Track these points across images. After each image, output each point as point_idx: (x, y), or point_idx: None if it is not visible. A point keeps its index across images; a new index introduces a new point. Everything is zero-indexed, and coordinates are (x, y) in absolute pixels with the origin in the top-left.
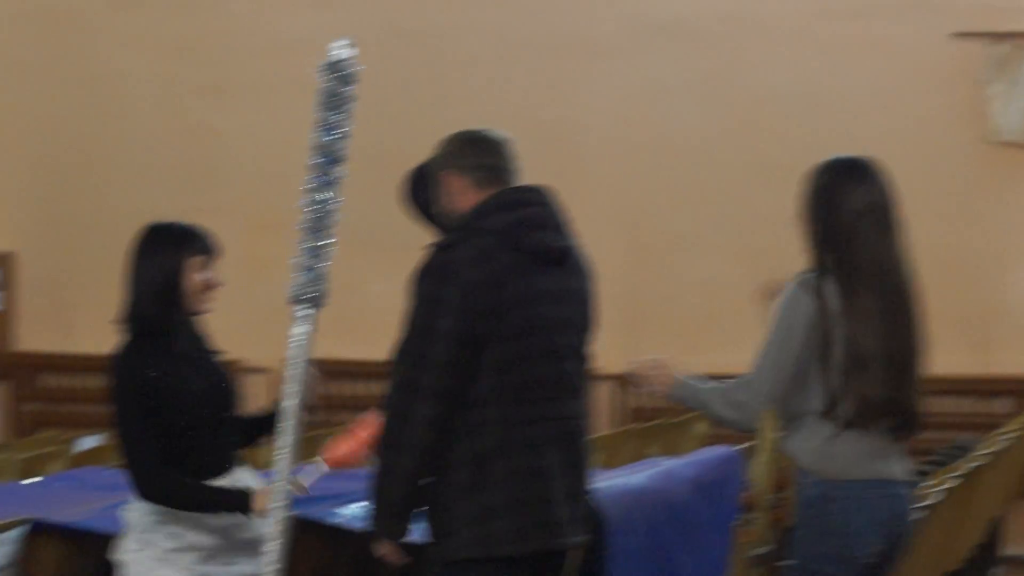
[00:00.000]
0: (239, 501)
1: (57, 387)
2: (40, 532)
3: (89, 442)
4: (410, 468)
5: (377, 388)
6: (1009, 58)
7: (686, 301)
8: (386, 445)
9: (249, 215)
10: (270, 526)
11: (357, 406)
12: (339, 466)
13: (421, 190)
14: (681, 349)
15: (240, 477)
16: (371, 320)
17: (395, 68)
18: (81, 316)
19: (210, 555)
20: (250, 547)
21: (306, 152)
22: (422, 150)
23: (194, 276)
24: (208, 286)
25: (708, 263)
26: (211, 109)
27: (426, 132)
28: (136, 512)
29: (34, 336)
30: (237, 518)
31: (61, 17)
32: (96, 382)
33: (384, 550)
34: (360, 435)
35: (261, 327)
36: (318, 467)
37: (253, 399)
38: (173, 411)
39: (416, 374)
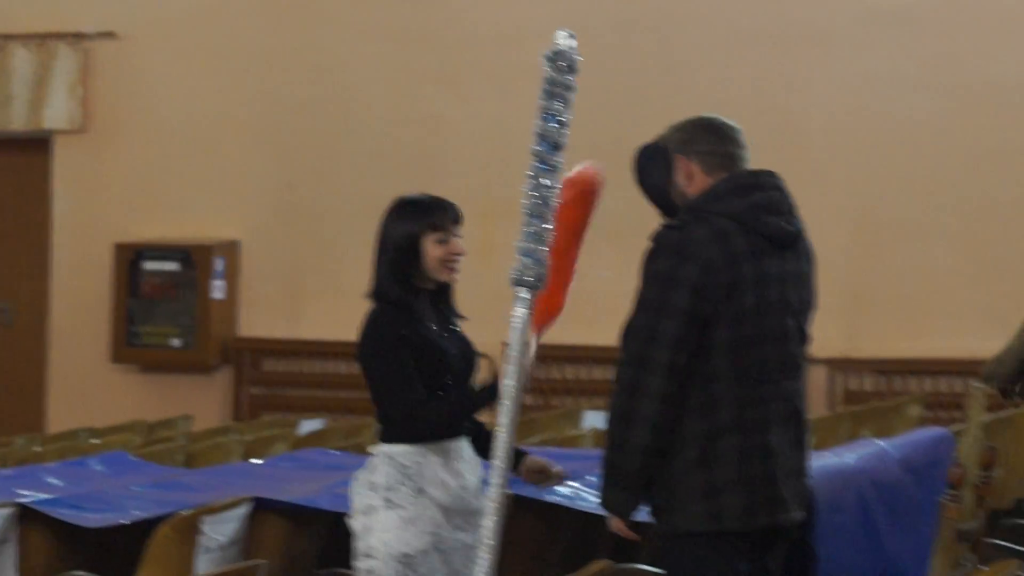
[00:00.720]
0: (491, 395)
1: (281, 372)
2: (264, 510)
3: (311, 425)
4: (641, 442)
5: (600, 372)
6: None
7: (907, 288)
8: (617, 419)
9: (475, 202)
10: (489, 501)
11: (582, 390)
12: (544, 326)
13: (653, 170)
14: (900, 335)
15: (463, 446)
16: (593, 306)
17: (620, 58)
18: (307, 303)
19: (446, 516)
20: (476, 517)
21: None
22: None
23: (433, 247)
24: (448, 256)
25: (931, 251)
26: (440, 98)
27: (650, 122)
28: (374, 476)
29: (259, 322)
30: (469, 484)
31: (301, 7)
32: (319, 367)
33: (615, 525)
34: (553, 289)
35: (484, 313)
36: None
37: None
38: (427, 369)
39: (648, 349)
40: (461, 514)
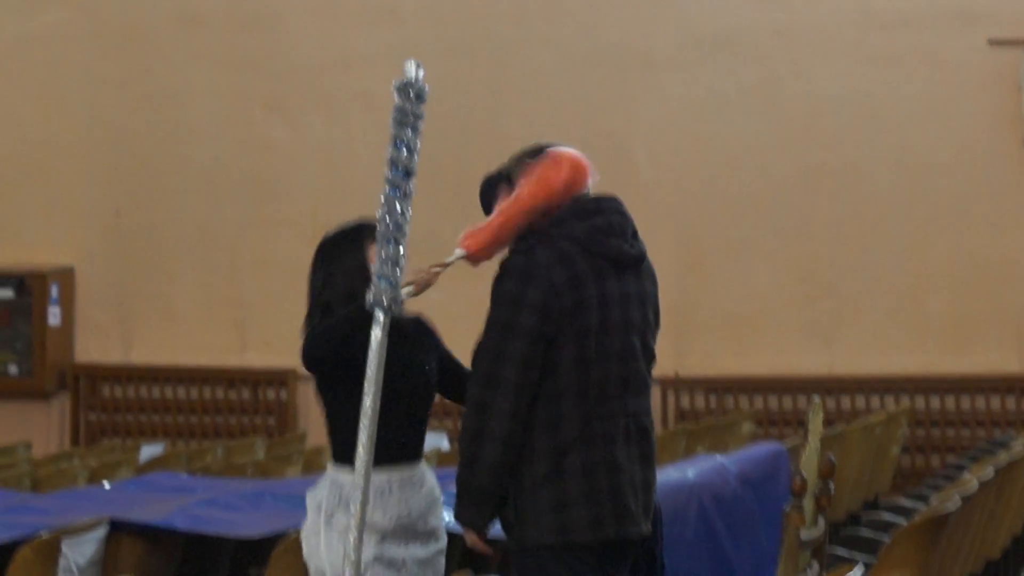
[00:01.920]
0: (360, 312)
1: (118, 397)
2: (120, 531)
3: (152, 450)
4: (493, 459)
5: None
6: None
7: (733, 307)
8: (469, 437)
9: (308, 225)
10: (353, 528)
11: None
12: (477, 254)
13: (497, 198)
14: (728, 353)
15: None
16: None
17: (451, 84)
18: (141, 328)
19: (388, 536)
20: (425, 536)
21: (363, 165)
22: (479, 161)
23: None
24: None
25: (759, 270)
26: (269, 124)
27: (480, 146)
28: (319, 496)
29: (95, 348)
30: (412, 508)
31: (132, 34)
32: (156, 392)
33: (470, 540)
34: (494, 223)
35: None
36: (456, 252)
37: (310, 407)
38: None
39: (497, 369)
40: (406, 535)
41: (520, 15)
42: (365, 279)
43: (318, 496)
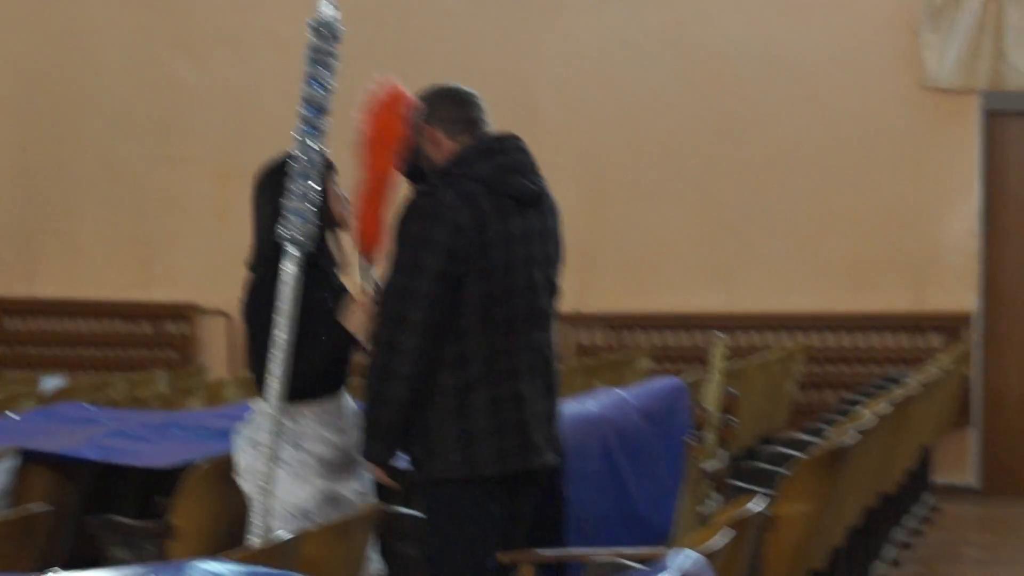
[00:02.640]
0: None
1: (21, 330)
2: (31, 462)
3: (54, 382)
4: (399, 396)
5: None
6: (944, 6)
7: (635, 247)
8: (376, 375)
9: (214, 164)
10: (267, 457)
11: None
12: (373, 253)
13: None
14: (629, 292)
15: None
16: None
17: (356, 24)
18: (46, 263)
19: (328, 470)
20: (360, 468)
21: (270, 104)
22: None
23: (334, 190)
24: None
25: (658, 211)
26: (180, 61)
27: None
28: (258, 434)
29: None
30: (351, 440)
31: None
32: (58, 325)
33: (376, 474)
34: (365, 215)
35: (221, 272)
36: (362, 265)
37: (214, 340)
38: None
39: (403, 308)
40: (344, 467)
41: None
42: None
43: (256, 435)
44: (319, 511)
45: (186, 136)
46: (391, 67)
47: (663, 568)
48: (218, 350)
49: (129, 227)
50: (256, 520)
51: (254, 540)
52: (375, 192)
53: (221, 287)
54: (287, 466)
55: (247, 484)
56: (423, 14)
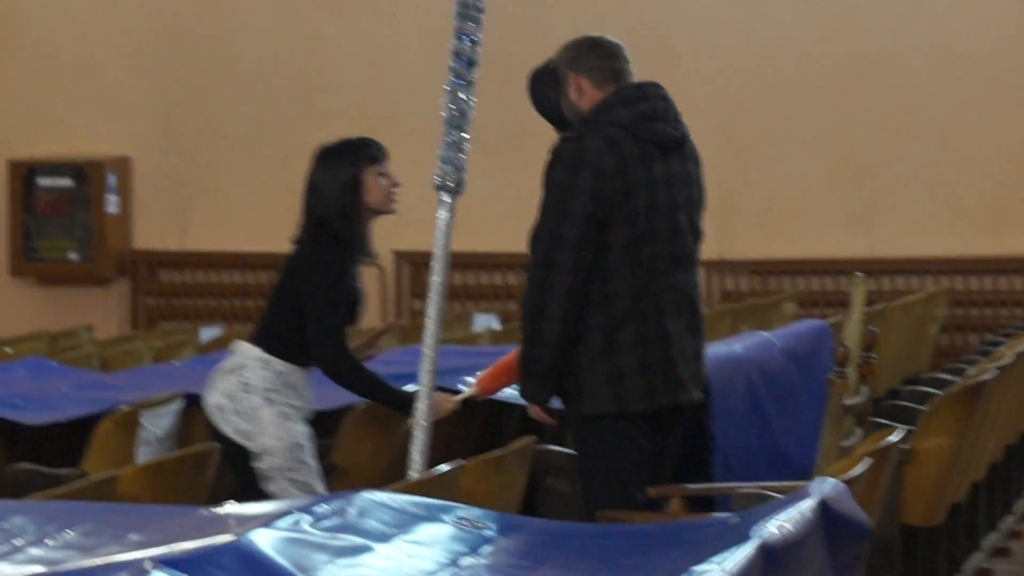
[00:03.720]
0: (403, 404)
1: (175, 282)
2: (193, 406)
3: (211, 332)
4: (553, 335)
5: (487, 278)
6: None
7: (774, 194)
8: (530, 315)
9: (358, 118)
10: (423, 387)
11: (469, 295)
12: (486, 393)
13: (547, 89)
14: (770, 238)
15: None
16: (476, 214)
17: None
18: (196, 217)
19: (304, 416)
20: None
21: (410, 59)
22: (523, 53)
23: (375, 180)
24: (390, 186)
25: (800, 157)
26: (318, 18)
27: (528, 37)
28: (248, 375)
29: (153, 235)
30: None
31: None
32: (212, 277)
33: (534, 412)
34: (505, 367)
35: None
36: (469, 387)
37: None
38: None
39: (553, 251)
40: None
41: None
42: (356, 197)
43: (248, 378)
44: (309, 448)
45: (329, 90)
46: (531, 19)
47: (806, 495)
48: (372, 300)
49: (275, 180)
50: (415, 456)
51: (413, 475)
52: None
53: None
54: (282, 407)
55: (238, 425)
56: None
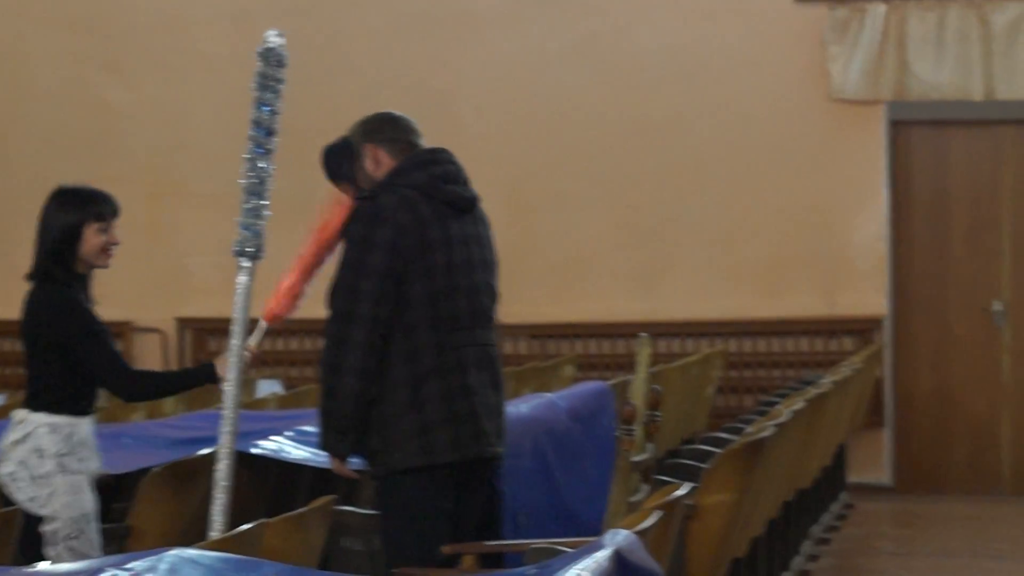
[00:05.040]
0: (207, 374)
1: None
2: None
3: None
4: (352, 388)
5: (267, 343)
6: (848, 21)
7: (561, 255)
8: (328, 369)
9: (146, 184)
10: (223, 447)
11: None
12: (275, 319)
13: (342, 160)
14: (554, 300)
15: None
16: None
17: (289, 43)
18: None
19: (93, 478)
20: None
21: (200, 124)
22: (315, 117)
23: (94, 235)
24: (107, 244)
25: (583, 219)
26: (110, 83)
27: (315, 103)
28: (47, 441)
29: None
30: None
31: None
32: (7, 345)
33: (335, 466)
34: (283, 287)
35: (154, 290)
36: (259, 326)
37: (147, 357)
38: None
39: (351, 305)
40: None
41: None
42: (72, 243)
43: (39, 444)
44: (95, 518)
45: (118, 156)
46: (320, 85)
47: (600, 546)
48: (153, 366)
49: None
50: (216, 516)
51: (214, 534)
52: (299, 275)
53: (155, 305)
54: (74, 476)
55: (29, 491)
56: (350, 33)
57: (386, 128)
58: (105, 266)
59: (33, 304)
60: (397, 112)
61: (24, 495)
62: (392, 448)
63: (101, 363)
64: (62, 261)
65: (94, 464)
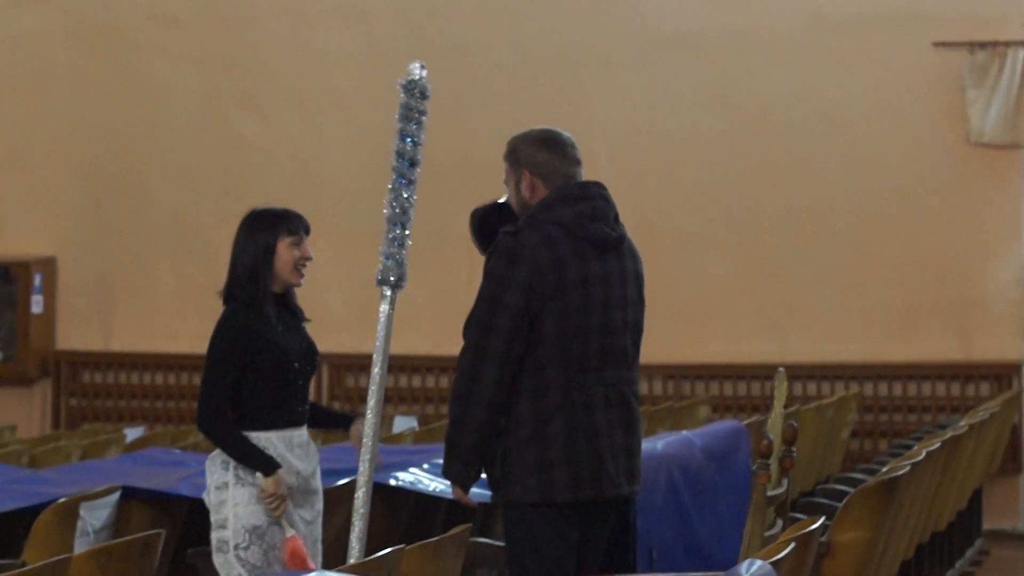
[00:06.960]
0: (265, 465)
1: (98, 383)
2: (130, 498)
3: (135, 432)
4: (478, 420)
5: (404, 380)
6: (988, 65)
7: (692, 296)
8: (457, 400)
9: None
10: (360, 476)
11: (386, 396)
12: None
13: (489, 229)
14: (687, 340)
15: (304, 433)
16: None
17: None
18: (120, 317)
19: (288, 495)
20: (312, 496)
21: (333, 160)
22: (444, 157)
23: (286, 250)
24: (299, 259)
25: (714, 261)
26: (248, 120)
27: (449, 142)
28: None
29: (76, 336)
30: (306, 469)
31: (111, 33)
32: (134, 378)
33: (456, 494)
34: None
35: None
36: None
37: None
38: (272, 365)
39: (485, 340)
40: (300, 493)
41: (485, 16)
42: (268, 263)
43: (224, 456)
44: (269, 531)
45: (253, 191)
46: (451, 124)
47: (737, 574)
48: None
49: (199, 280)
50: (355, 543)
51: (352, 560)
52: None
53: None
54: (252, 487)
55: (211, 498)
56: (482, 72)
57: (545, 157)
58: (298, 284)
59: (218, 322)
60: (563, 133)
61: (208, 502)
62: (512, 481)
63: (203, 389)
64: (257, 280)
65: (284, 477)
